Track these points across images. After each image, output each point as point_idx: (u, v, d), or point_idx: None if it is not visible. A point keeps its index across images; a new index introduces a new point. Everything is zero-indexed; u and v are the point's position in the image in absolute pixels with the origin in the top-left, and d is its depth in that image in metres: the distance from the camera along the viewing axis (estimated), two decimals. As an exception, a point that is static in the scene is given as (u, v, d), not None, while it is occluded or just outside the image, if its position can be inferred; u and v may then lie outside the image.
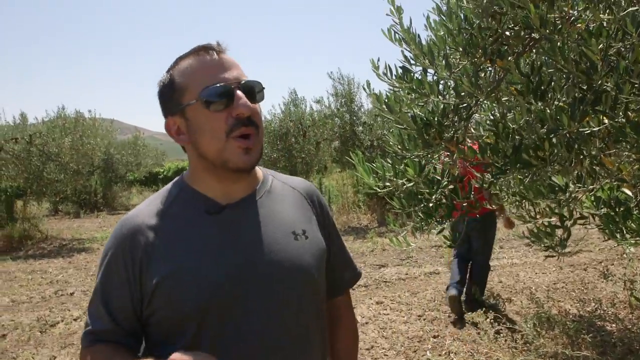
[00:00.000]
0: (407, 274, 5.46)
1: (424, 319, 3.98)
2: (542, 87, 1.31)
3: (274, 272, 0.93)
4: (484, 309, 3.48)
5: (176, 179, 1.04)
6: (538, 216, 1.61)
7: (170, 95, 0.95)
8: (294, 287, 0.95)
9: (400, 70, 1.50)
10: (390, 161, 1.64)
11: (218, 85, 0.89)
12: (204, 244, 0.92)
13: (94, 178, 14.16)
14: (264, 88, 0.97)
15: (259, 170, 1.06)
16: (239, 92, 0.90)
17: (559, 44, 1.22)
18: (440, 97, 1.46)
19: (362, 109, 10.05)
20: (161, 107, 0.98)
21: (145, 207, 0.98)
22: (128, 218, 0.97)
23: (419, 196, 1.74)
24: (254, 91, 0.94)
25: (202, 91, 0.90)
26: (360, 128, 9.68)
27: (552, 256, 1.40)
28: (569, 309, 3.92)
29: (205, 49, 0.93)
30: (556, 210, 1.57)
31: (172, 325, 0.90)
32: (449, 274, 5.37)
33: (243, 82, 0.92)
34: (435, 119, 1.55)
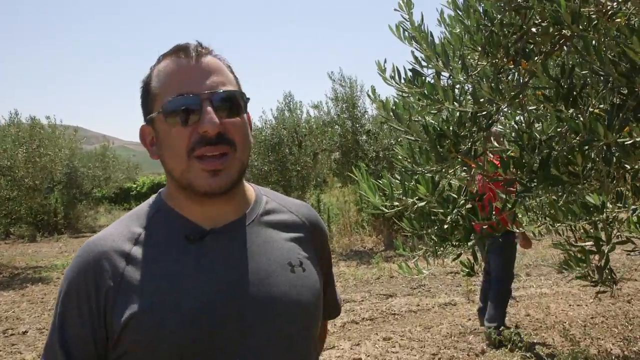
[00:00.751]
0: (418, 306, 5.42)
1: (440, 358, 3.93)
2: (574, 92, 1.31)
3: (266, 310, 0.92)
4: (506, 341, 3.70)
5: (153, 196, 1.02)
6: (576, 241, 1.60)
7: (145, 100, 0.96)
8: (288, 327, 0.94)
9: (409, 74, 1.51)
10: (399, 177, 1.64)
11: (184, 95, 0.88)
12: (182, 277, 0.90)
13: (54, 195, 14.09)
14: (248, 99, 0.96)
15: (252, 190, 1.06)
16: (207, 107, 0.88)
17: (594, 42, 1.23)
18: (455, 104, 1.46)
19: (366, 116, 10.10)
20: (142, 111, 0.99)
21: (115, 230, 0.96)
22: (94, 241, 0.94)
23: (432, 217, 1.73)
24: (234, 103, 0.92)
25: (166, 102, 0.89)
26: (364, 137, 9.71)
27: (604, 292, 1.39)
28: (611, 349, 3.88)
29: (183, 49, 0.92)
30: (591, 233, 1.57)
31: None
32: (467, 305, 5.34)
33: (220, 91, 0.90)
34: (451, 128, 1.55)
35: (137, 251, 0.92)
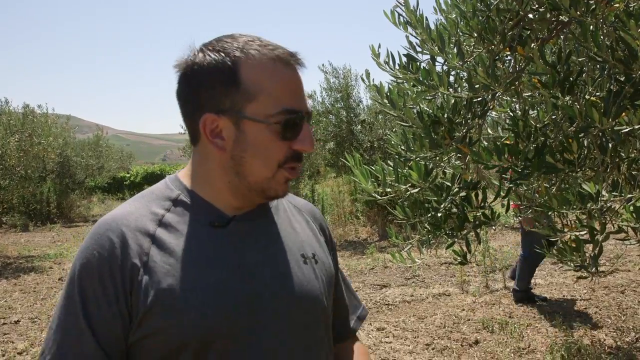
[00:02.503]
0: (412, 296, 5.44)
1: (433, 349, 3.95)
2: (571, 79, 1.30)
3: (283, 300, 0.93)
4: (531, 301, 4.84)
5: (169, 178, 1.00)
6: (566, 229, 1.59)
7: (228, 89, 0.88)
8: (304, 316, 0.96)
9: (404, 59, 1.49)
10: (391, 164, 1.62)
11: (300, 113, 0.89)
12: (207, 261, 0.90)
13: (46, 184, 14.01)
14: None
15: None
16: (307, 126, 0.91)
17: (591, 27, 1.21)
18: (450, 89, 1.44)
19: (361, 106, 10.07)
20: (195, 92, 0.91)
21: (135, 209, 0.94)
22: (114, 219, 0.91)
23: (426, 205, 1.72)
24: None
25: (281, 113, 0.88)
26: (359, 127, 9.69)
27: (584, 277, 1.38)
28: (604, 339, 3.91)
29: (289, 57, 0.90)
30: (585, 223, 1.56)
31: (163, 357, 0.87)
32: (461, 295, 5.37)
33: (310, 112, 0.93)
34: (445, 115, 1.53)
35: (162, 233, 0.91)
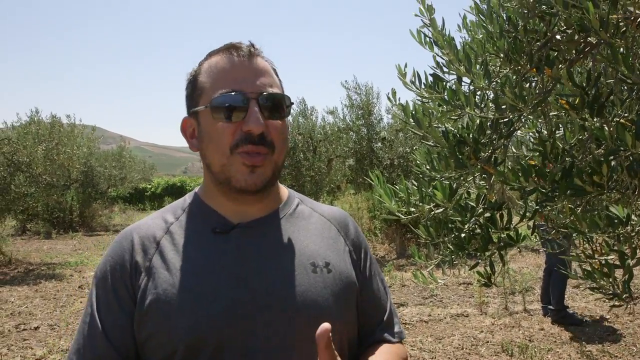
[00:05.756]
0: (430, 316, 5.36)
1: (451, 372, 3.87)
2: (600, 100, 1.28)
3: (281, 308, 0.91)
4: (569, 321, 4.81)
5: (190, 192, 1.08)
6: (596, 255, 1.55)
7: (191, 93, 0.99)
8: (305, 328, 0.92)
9: (430, 79, 1.49)
10: (415, 183, 1.61)
11: (232, 93, 0.91)
12: (204, 267, 0.92)
13: (69, 193, 14.29)
14: (291, 103, 0.99)
15: (285, 191, 1.09)
16: (254, 107, 0.91)
17: (621, 49, 1.20)
18: (477, 110, 1.43)
19: (382, 123, 10.07)
20: (186, 102, 1.02)
21: (151, 219, 1.01)
22: (130, 229, 0.99)
23: (449, 225, 1.70)
24: (278, 106, 0.95)
25: (215, 97, 0.92)
26: (379, 144, 9.68)
27: (618, 306, 1.35)
28: (626, 366, 3.79)
29: (236, 48, 0.96)
30: (615, 247, 1.52)
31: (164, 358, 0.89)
32: (479, 316, 5.26)
33: (266, 93, 0.93)
34: (471, 135, 1.52)
35: (167, 239, 0.96)
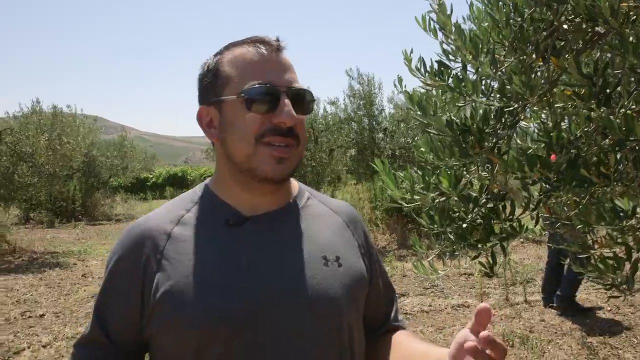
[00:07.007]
0: (430, 306, 5.36)
1: (451, 362, 3.88)
2: (607, 91, 1.26)
3: (293, 301, 0.92)
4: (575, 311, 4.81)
5: (200, 184, 1.07)
6: (596, 245, 1.54)
7: (212, 82, 0.98)
8: (316, 321, 0.93)
9: (435, 66, 1.46)
10: (419, 171, 1.59)
11: (267, 85, 0.92)
12: (216, 259, 0.92)
13: (72, 183, 14.31)
14: (314, 100, 1.00)
15: (295, 184, 1.10)
16: (285, 99, 0.92)
17: (631, 38, 1.18)
18: (483, 97, 1.41)
19: (383, 114, 10.03)
20: (198, 92, 1.02)
21: (161, 212, 1.01)
22: (139, 221, 1.00)
23: (453, 214, 1.68)
24: (304, 100, 0.96)
25: (247, 87, 0.92)
26: (381, 135, 9.65)
27: (616, 297, 1.34)
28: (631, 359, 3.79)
29: (264, 42, 0.96)
30: (619, 240, 1.51)
31: (174, 353, 0.90)
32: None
33: (293, 88, 0.94)
34: (475, 124, 1.50)
35: (178, 231, 0.96)
